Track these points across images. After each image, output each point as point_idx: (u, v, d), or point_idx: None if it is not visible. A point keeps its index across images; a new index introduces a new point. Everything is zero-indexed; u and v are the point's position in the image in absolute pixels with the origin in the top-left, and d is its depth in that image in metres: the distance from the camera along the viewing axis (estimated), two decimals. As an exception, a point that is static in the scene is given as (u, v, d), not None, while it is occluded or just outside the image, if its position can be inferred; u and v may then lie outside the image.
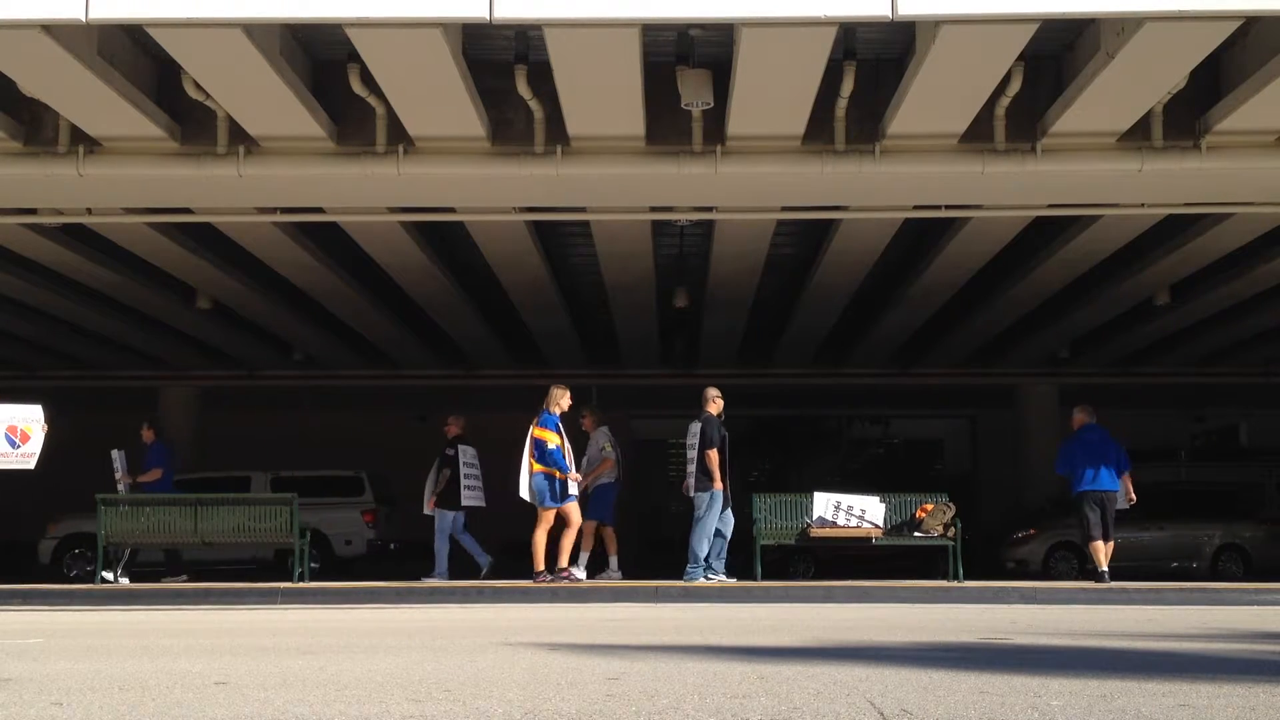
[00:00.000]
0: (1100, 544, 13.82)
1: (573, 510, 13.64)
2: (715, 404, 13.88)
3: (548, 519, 13.64)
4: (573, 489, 13.60)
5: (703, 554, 13.59)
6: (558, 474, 13.50)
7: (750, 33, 9.57)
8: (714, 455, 13.54)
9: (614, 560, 14.50)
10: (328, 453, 24.11)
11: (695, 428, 13.86)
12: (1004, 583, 13.90)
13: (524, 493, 13.79)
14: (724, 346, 22.83)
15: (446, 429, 15.02)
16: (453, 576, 14.33)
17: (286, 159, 12.07)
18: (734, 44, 9.99)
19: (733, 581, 13.50)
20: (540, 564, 13.59)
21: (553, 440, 13.50)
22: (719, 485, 13.50)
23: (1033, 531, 19.71)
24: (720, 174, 12.05)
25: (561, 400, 13.77)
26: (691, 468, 13.68)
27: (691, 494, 13.66)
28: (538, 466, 13.59)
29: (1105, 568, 13.74)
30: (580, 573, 13.81)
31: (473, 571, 14.54)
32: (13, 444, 13.38)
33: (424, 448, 24.06)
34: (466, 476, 14.56)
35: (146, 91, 11.18)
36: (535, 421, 13.71)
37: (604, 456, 14.64)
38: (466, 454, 14.77)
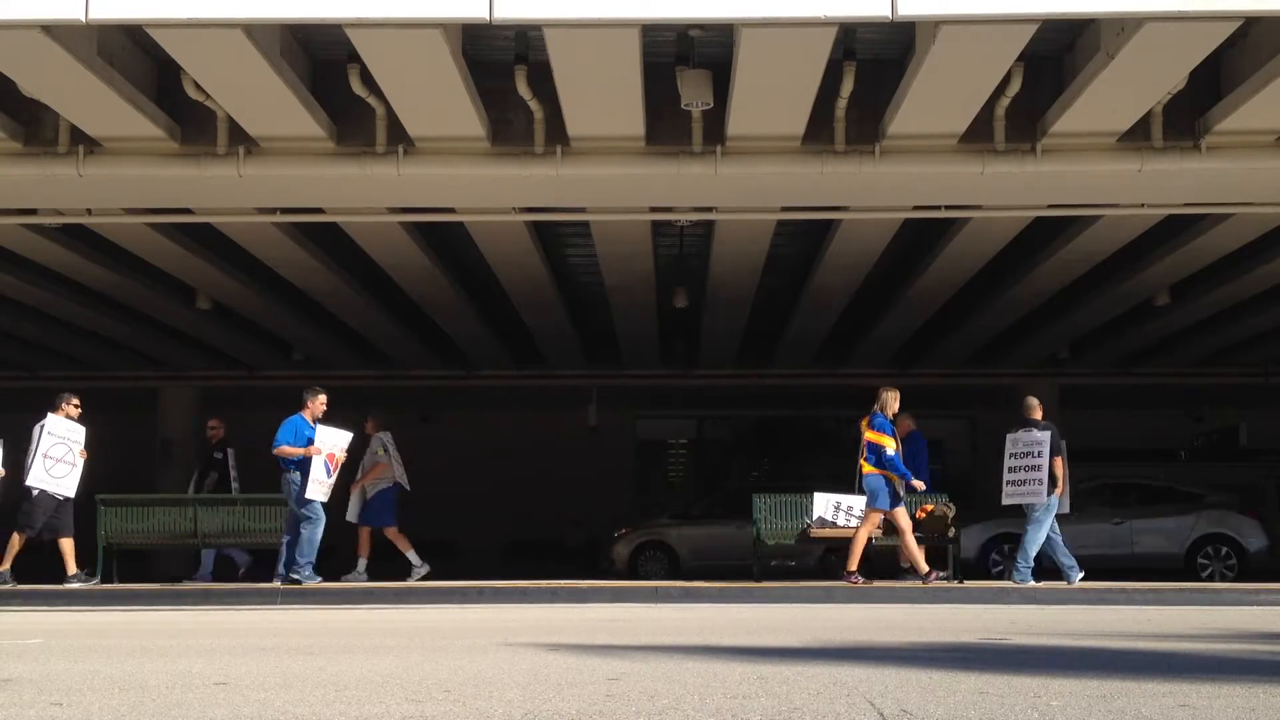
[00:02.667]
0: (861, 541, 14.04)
1: (901, 515, 13.47)
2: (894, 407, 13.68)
3: (874, 520, 13.49)
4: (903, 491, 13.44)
5: (1033, 554, 13.51)
6: (894, 478, 13.32)
7: (750, 33, 9.57)
8: (1061, 462, 13.50)
9: (413, 556, 14.31)
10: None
11: (1035, 435, 13.59)
12: (1005, 583, 13.89)
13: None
14: (724, 347, 22.82)
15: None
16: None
17: (286, 159, 12.07)
18: (734, 44, 9.99)
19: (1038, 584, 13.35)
20: (854, 564, 13.42)
21: (890, 445, 13.32)
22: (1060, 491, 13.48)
23: (625, 531, 19.96)
24: (720, 174, 12.05)
25: (894, 403, 13.55)
26: (1027, 474, 13.48)
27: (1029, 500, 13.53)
28: (870, 469, 13.34)
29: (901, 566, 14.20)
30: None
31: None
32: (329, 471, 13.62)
33: (425, 448, 24.19)
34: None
35: (146, 92, 11.18)
36: (867, 424, 13.49)
37: (377, 460, 14.49)
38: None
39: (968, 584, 13.83)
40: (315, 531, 13.54)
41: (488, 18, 8.92)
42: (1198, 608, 11.94)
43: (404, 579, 14.12)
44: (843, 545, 15.15)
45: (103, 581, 14.00)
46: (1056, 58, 11.39)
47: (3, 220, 14.16)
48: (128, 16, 9.19)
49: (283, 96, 10.69)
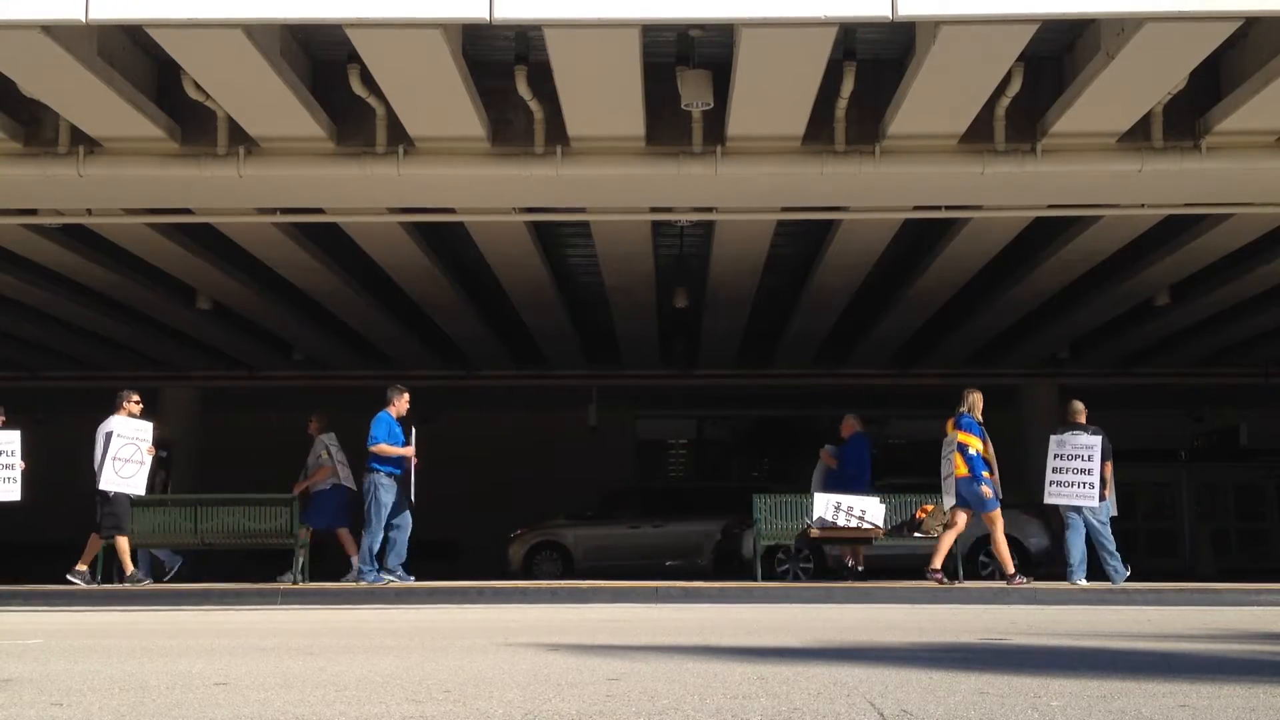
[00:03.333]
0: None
1: (995, 514, 13.51)
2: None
3: (999, 520, 13.53)
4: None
5: (1114, 549, 13.61)
6: (987, 475, 13.35)
7: (750, 33, 9.57)
8: (1110, 466, 13.60)
9: (355, 560, 14.23)
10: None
11: (1084, 439, 13.59)
12: (1006, 584, 13.87)
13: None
14: (724, 347, 22.82)
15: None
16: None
17: (286, 159, 12.07)
18: (734, 44, 9.99)
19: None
20: (1010, 566, 13.45)
21: (976, 445, 13.34)
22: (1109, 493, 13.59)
23: (520, 531, 20.08)
24: (720, 174, 12.05)
25: (979, 404, 13.60)
26: (1075, 476, 13.48)
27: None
28: (964, 470, 13.34)
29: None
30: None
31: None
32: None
33: (425, 448, 24.20)
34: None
35: (146, 92, 11.18)
36: (954, 424, 13.52)
37: (320, 464, 14.45)
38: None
39: (968, 584, 13.82)
40: (404, 534, 13.63)
41: (488, 18, 8.92)
42: (1198, 608, 11.94)
43: (339, 579, 14.06)
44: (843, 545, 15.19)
45: (102, 582, 14.01)
46: (1056, 58, 11.39)
47: (3, 220, 14.16)
48: (128, 17, 9.19)
49: (283, 97, 10.69)
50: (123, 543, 13.64)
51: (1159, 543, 24.84)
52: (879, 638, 7.88)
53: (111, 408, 13.93)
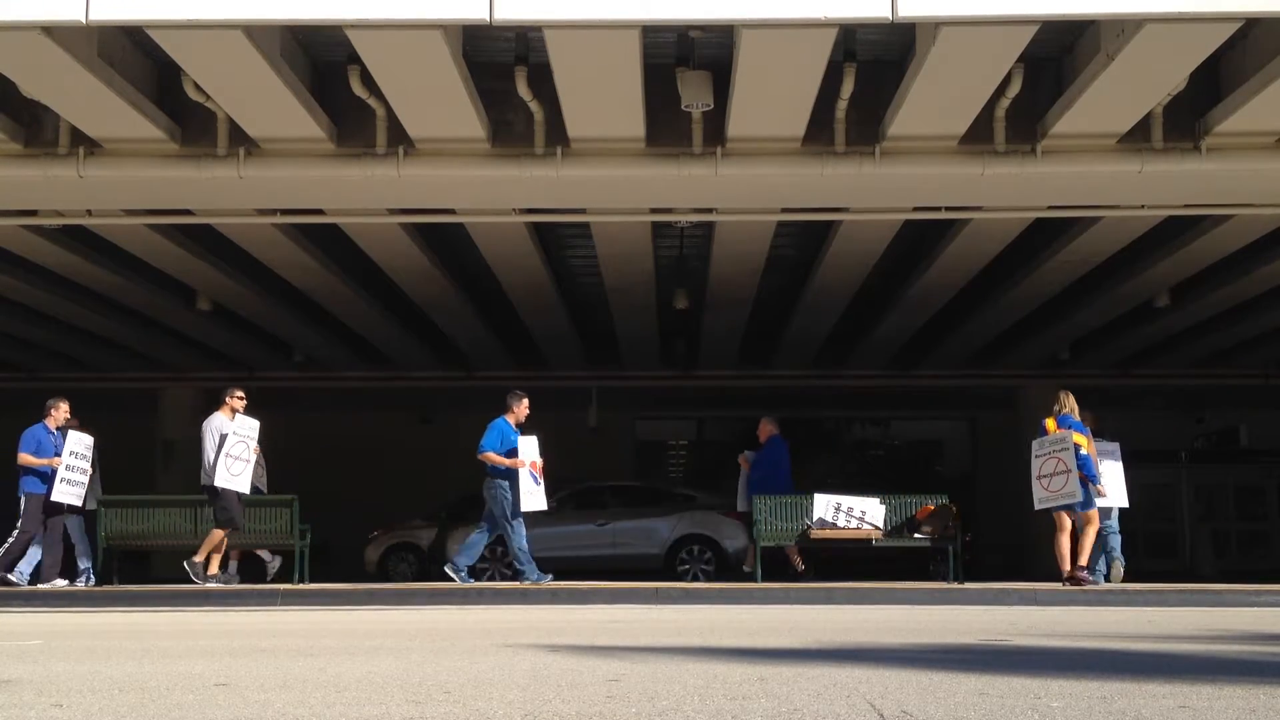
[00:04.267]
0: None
1: (1095, 514, 13.43)
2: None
3: (1093, 520, 13.33)
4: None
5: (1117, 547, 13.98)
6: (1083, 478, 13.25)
7: (750, 34, 9.58)
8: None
9: (233, 566, 14.31)
10: (329, 453, 24.18)
11: (1104, 445, 13.85)
12: (1005, 584, 13.90)
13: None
14: (724, 348, 22.83)
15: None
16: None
17: (287, 160, 12.08)
18: (734, 45, 10.00)
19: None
20: (1067, 565, 13.30)
21: (1085, 445, 13.25)
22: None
23: (377, 533, 20.00)
24: (720, 175, 12.05)
25: (1075, 404, 13.60)
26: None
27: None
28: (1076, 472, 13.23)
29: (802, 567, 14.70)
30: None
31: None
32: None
33: (426, 448, 24.21)
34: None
35: (147, 93, 11.19)
36: (1056, 424, 13.43)
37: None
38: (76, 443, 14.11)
39: (968, 585, 13.83)
40: (520, 539, 13.63)
41: (488, 19, 8.93)
42: (1198, 609, 11.94)
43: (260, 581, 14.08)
44: (843, 546, 15.20)
45: (102, 583, 14.00)
46: (1056, 59, 11.40)
47: (3, 221, 14.16)
48: (128, 18, 9.19)
49: (283, 98, 10.69)
50: (218, 536, 13.62)
51: (1159, 543, 24.83)
52: (879, 639, 7.88)
53: (215, 404, 13.98)
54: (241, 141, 11.87)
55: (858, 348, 22.68)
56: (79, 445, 13.92)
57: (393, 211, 14.10)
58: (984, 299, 18.95)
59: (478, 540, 13.78)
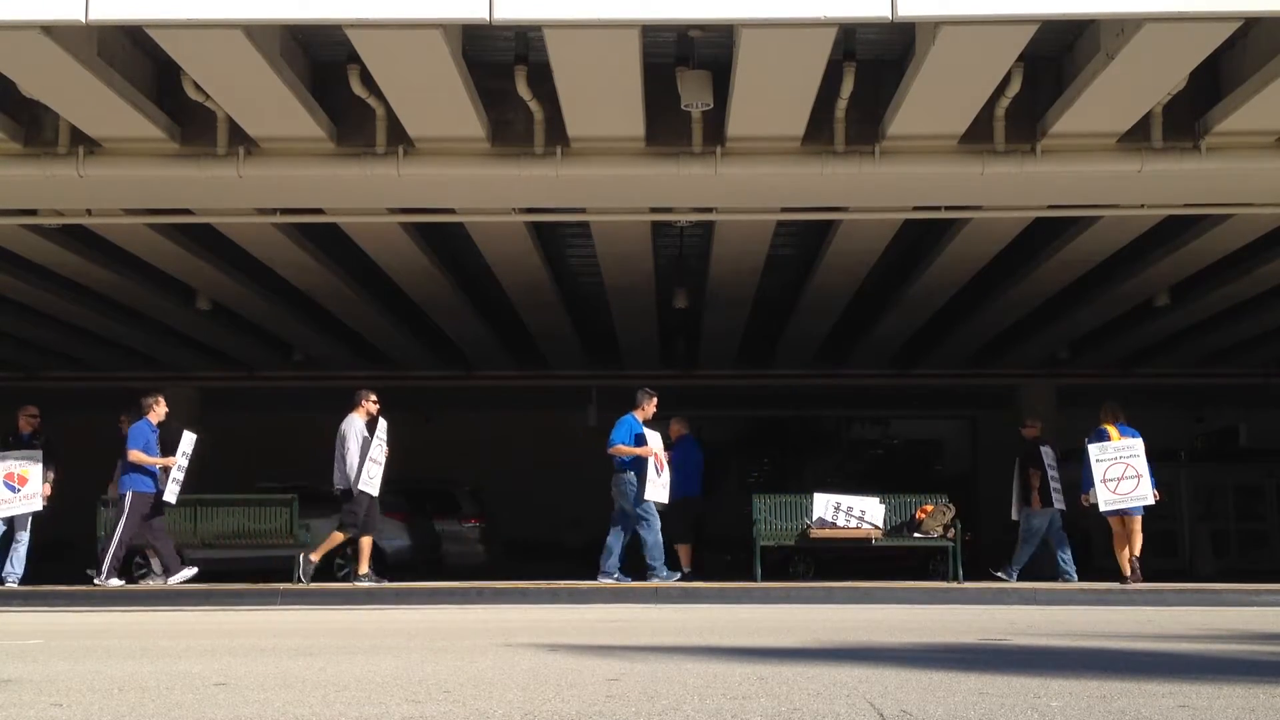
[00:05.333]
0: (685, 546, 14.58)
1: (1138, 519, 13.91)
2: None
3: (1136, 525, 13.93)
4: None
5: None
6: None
7: (750, 34, 9.57)
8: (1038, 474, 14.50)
9: (155, 564, 14.22)
10: (328, 455, 24.13)
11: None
12: (1005, 584, 13.91)
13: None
14: (724, 347, 22.83)
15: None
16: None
17: (286, 160, 12.07)
18: (734, 45, 9.99)
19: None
20: (1128, 568, 13.82)
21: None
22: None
23: None
24: (720, 175, 12.05)
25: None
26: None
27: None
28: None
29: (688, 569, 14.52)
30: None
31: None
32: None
33: (426, 449, 24.19)
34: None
35: (146, 92, 11.18)
36: (1119, 431, 13.84)
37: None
38: (187, 443, 14.22)
39: (967, 585, 13.83)
40: (656, 533, 13.68)
41: (488, 18, 8.92)
42: (1198, 608, 11.95)
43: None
44: (843, 545, 15.20)
45: (138, 580, 14.01)
46: (1056, 58, 11.39)
47: (3, 221, 14.16)
48: (128, 17, 9.18)
49: (283, 97, 10.69)
50: (338, 537, 13.69)
51: (1158, 543, 24.77)
52: (879, 638, 7.89)
53: (349, 406, 13.93)
54: (241, 141, 11.87)
55: (857, 347, 22.68)
56: (189, 445, 13.97)
57: (392, 211, 14.10)
58: (984, 299, 18.94)
59: (614, 542, 13.78)
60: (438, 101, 10.91)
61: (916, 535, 14.58)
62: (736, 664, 6.13)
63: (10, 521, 13.71)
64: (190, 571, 13.64)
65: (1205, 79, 11.17)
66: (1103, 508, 13.69)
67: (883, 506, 14.59)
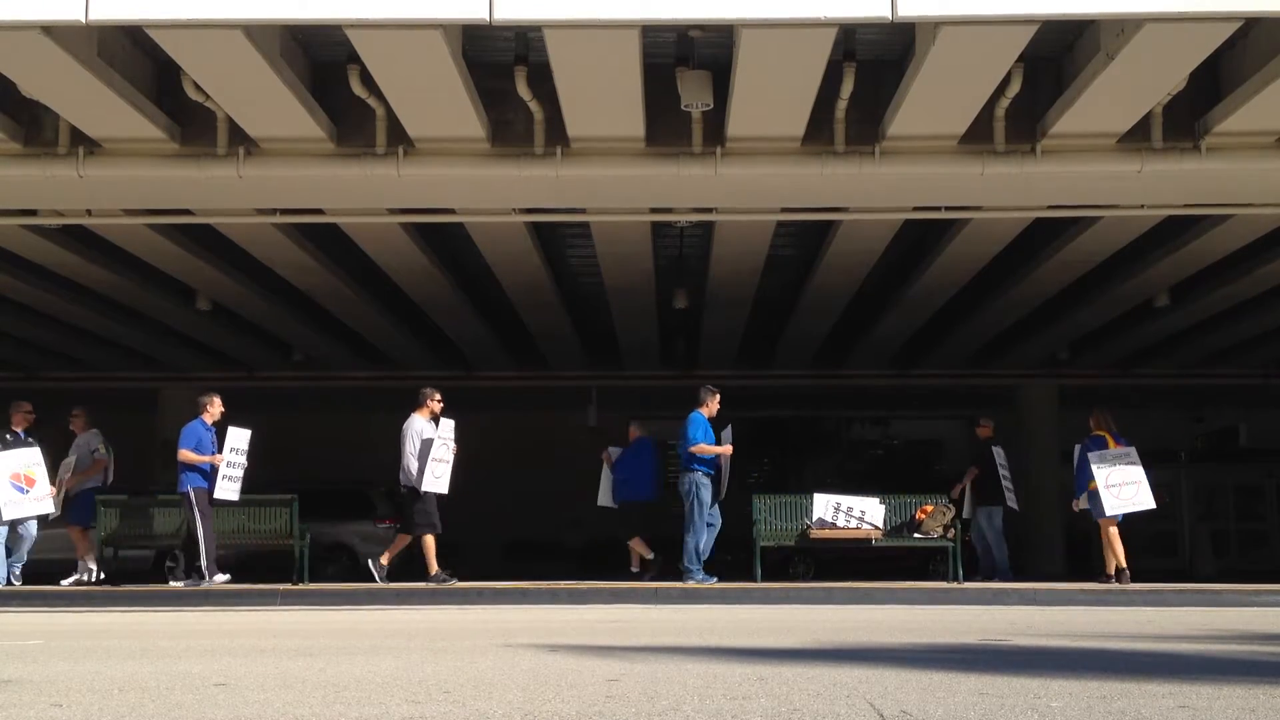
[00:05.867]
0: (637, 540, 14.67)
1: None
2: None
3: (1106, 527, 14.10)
4: None
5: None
6: None
7: (750, 34, 9.57)
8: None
9: (91, 562, 14.11)
10: (329, 454, 24.16)
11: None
12: (1004, 584, 13.92)
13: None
14: (724, 347, 22.82)
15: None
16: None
17: (286, 160, 12.07)
18: (734, 45, 9.99)
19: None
20: (1115, 565, 14.03)
21: None
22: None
23: None
24: (720, 175, 12.05)
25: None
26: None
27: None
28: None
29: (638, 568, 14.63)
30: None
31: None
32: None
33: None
34: None
35: (146, 93, 11.18)
36: (1114, 440, 13.99)
37: (97, 458, 14.37)
38: (236, 439, 14.17)
39: (967, 585, 13.84)
40: (712, 534, 13.69)
41: (488, 18, 8.92)
42: (1197, 609, 11.95)
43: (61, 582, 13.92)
44: (843, 546, 15.21)
45: (102, 583, 13.99)
46: (1056, 59, 11.39)
47: (3, 221, 14.16)
48: (127, 17, 9.19)
49: (283, 97, 10.69)
50: (430, 541, 13.68)
51: (1158, 543, 24.80)
52: (879, 638, 7.89)
53: (413, 405, 13.97)
54: (241, 141, 11.87)
55: (857, 347, 22.68)
56: (239, 441, 13.96)
57: (392, 211, 14.10)
58: (984, 299, 18.94)
59: (692, 541, 13.73)
60: (438, 102, 10.91)
61: (916, 536, 14.58)
62: (736, 664, 6.13)
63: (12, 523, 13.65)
64: (223, 577, 13.66)
65: (1205, 79, 11.17)
66: (1109, 512, 13.82)
67: (883, 507, 14.59)
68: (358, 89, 11.07)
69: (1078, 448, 14.30)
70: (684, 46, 10.97)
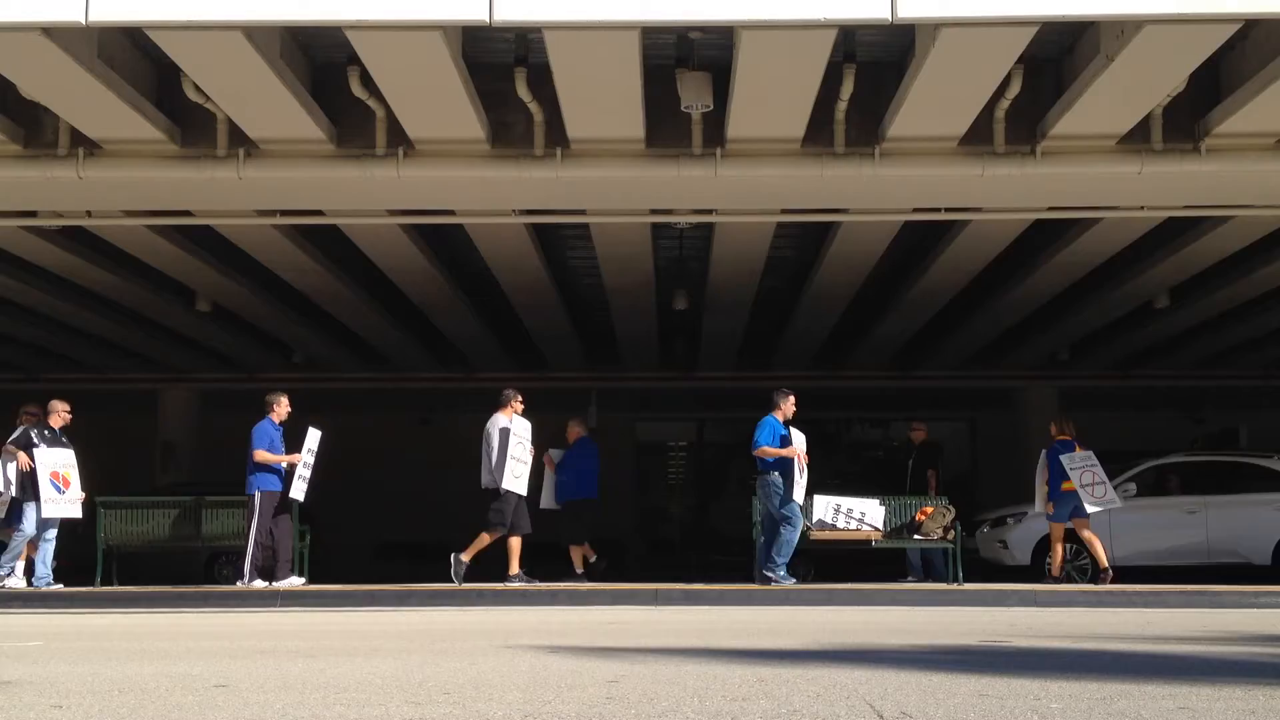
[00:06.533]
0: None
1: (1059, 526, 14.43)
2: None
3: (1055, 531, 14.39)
4: None
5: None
6: None
7: (750, 35, 9.58)
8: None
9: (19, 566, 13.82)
10: (328, 455, 24.12)
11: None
12: (1005, 585, 13.91)
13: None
14: (724, 348, 22.83)
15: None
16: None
17: (286, 161, 12.07)
18: (734, 46, 9.99)
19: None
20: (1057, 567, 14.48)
21: None
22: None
23: None
24: (720, 176, 12.05)
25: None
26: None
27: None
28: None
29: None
30: None
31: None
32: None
33: (426, 449, 24.19)
34: None
35: (146, 94, 11.18)
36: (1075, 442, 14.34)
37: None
38: (313, 440, 14.14)
39: (967, 587, 13.83)
40: (794, 534, 13.67)
41: (488, 20, 8.93)
42: (1198, 610, 11.94)
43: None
44: (843, 547, 15.19)
45: (102, 584, 13.98)
46: (1056, 60, 11.39)
47: (3, 222, 14.15)
48: (127, 19, 9.19)
49: (282, 99, 10.69)
50: (515, 543, 13.67)
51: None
52: (879, 640, 7.89)
53: (496, 405, 13.96)
54: (241, 142, 11.87)
55: (857, 348, 22.68)
56: (314, 442, 13.96)
57: (392, 212, 14.10)
58: (984, 300, 18.95)
59: (778, 541, 13.70)
60: (438, 103, 10.91)
61: (917, 537, 14.57)
62: (736, 666, 6.13)
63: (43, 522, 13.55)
64: (298, 580, 13.70)
65: (1205, 81, 11.18)
66: (1090, 511, 14.04)
67: (883, 508, 14.58)
68: (357, 90, 11.08)
69: (1044, 453, 14.48)
70: (684, 47, 10.97)
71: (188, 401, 25.10)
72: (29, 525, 13.40)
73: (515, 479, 13.57)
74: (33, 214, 13.93)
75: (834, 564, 17.26)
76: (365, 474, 23.20)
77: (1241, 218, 14.05)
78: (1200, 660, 6.68)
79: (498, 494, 13.52)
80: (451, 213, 14.13)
